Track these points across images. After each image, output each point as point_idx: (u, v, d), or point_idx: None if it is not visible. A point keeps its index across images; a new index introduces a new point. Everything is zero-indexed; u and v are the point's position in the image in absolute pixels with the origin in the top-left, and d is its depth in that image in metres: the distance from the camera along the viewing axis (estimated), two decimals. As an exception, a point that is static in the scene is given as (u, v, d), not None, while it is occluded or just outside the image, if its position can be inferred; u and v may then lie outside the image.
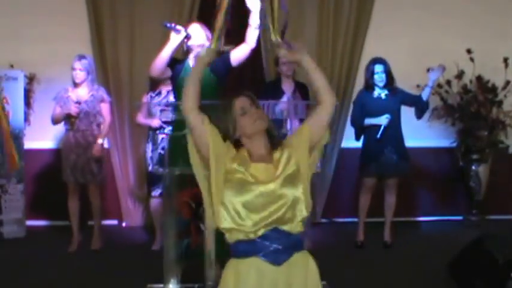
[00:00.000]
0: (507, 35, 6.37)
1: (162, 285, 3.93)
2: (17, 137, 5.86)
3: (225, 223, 2.13)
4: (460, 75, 6.24)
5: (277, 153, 2.24)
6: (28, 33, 6.17)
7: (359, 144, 5.40)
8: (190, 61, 4.22)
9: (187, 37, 4.13)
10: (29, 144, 6.01)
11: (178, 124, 4.09)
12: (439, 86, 6.17)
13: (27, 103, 6.16)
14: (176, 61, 4.24)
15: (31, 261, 4.99)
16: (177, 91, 4.24)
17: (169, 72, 4.22)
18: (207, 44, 4.22)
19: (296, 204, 2.14)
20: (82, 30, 6.23)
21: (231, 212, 2.12)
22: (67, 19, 6.25)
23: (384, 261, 4.96)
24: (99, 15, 6.28)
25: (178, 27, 4.13)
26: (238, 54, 4.13)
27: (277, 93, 5.22)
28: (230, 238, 2.18)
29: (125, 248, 5.49)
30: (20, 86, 5.92)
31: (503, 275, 3.68)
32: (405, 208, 6.28)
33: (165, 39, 6.07)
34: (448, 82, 6.22)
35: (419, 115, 5.39)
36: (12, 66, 6.07)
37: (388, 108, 5.19)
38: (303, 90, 5.42)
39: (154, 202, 5.32)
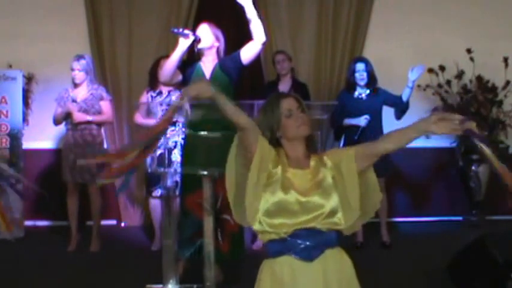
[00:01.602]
0: (507, 35, 6.35)
1: (161, 286, 3.93)
2: (16, 137, 5.85)
3: (258, 225, 2.14)
4: (460, 75, 6.23)
5: (314, 160, 2.23)
6: (27, 33, 6.16)
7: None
8: (202, 64, 4.20)
9: (196, 40, 4.12)
10: (28, 144, 6.00)
11: (192, 124, 4.08)
12: (439, 86, 6.17)
13: (26, 103, 6.15)
14: (187, 64, 4.23)
15: (30, 261, 4.98)
16: None
17: (179, 77, 4.21)
18: (216, 45, 4.21)
19: (334, 214, 2.14)
20: (80, 30, 6.23)
21: (265, 213, 2.12)
22: (66, 19, 6.25)
23: (383, 262, 4.95)
24: (97, 15, 6.28)
25: (187, 31, 4.11)
26: (248, 54, 4.10)
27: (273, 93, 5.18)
28: (263, 238, 2.18)
29: (124, 248, 5.48)
30: (19, 86, 5.90)
31: (503, 275, 3.67)
32: (405, 208, 6.28)
33: (163, 39, 6.17)
34: (448, 82, 6.21)
35: (398, 116, 5.28)
36: (10, 66, 6.06)
37: (369, 109, 5.14)
38: (301, 90, 5.38)
39: (154, 202, 5.30)
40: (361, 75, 5.17)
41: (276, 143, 2.24)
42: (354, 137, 5.07)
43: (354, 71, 5.20)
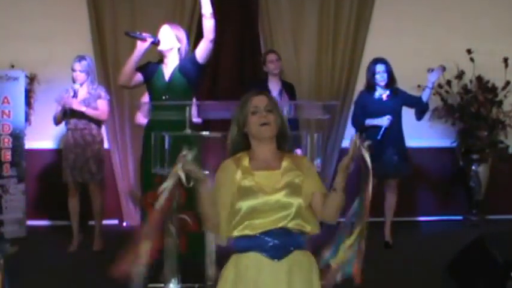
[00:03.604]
0: (507, 35, 6.37)
1: (162, 285, 3.94)
2: (18, 137, 5.87)
3: (236, 232, 2.17)
4: (460, 75, 6.25)
5: (287, 161, 2.25)
6: (29, 33, 6.18)
7: None
8: (164, 66, 4.20)
9: (154, 43, 4.12)
10: (30, 144, 6.02)
11: (152, 126, 4.10)
12: (440, 86, 6.19)
13: (28, 103, 6.16)
14: (149, 63, 4.24)
15: (31, 261, 4.99)
16: (152, 92, 4.23)
17: (139, 78, 4.22)
18: (177, 46, 4.20)
19: (300, 213, 2.18)
20: (83, 30, 6.24)
21: (237, 218, 2.16)
22: (68, 19, 6.27)
23: (384, 261, 4.96)
24: (100, 15, 6.29)
25: (144, 34, 4.12)
26: (201, 52, 4.11)
27: None
28: (232, 235, 2.20)
29: (125, 248, 5.47)
30: (21, 86, 5.92)
31: (503, 275, 3.68)
32: (405, 208, 6.28)
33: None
34: (448, 82, 6.23)
35: (419, 116, 5.38)
36: (13, 66, 6.08)
37: (390, 109, 5.17)
38: (289, 90, 5.38)
39: (155, 202, 5.30)
40: (381, 76, 5.20)
41: (242, 139, 2.27)
42: (377, 137, 5.07)
43: (374, 72, 5.22)
